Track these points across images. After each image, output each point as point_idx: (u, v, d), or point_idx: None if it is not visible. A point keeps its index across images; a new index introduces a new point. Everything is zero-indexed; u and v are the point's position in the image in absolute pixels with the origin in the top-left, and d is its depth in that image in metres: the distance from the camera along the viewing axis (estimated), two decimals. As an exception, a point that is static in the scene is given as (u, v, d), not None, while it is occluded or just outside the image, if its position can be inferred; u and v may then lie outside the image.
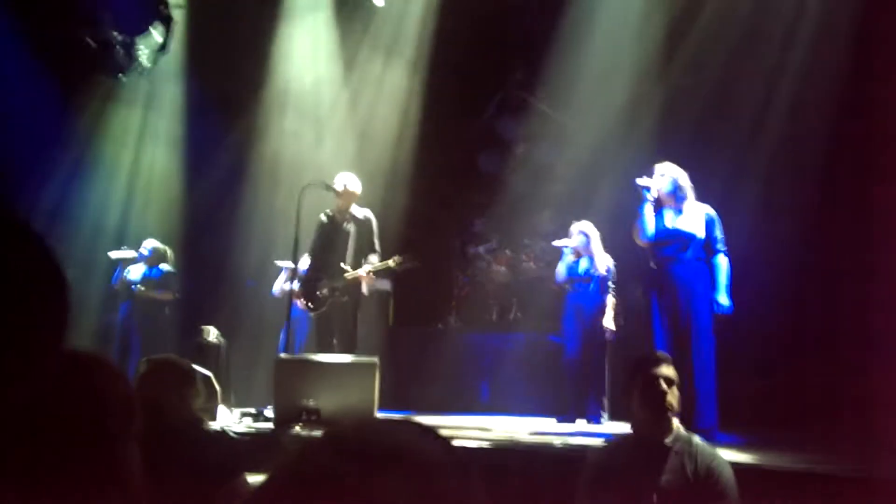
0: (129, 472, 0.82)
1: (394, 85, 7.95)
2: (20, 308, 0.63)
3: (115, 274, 6.76)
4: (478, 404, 6.57)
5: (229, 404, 5.33)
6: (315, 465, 0.56)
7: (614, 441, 2.46)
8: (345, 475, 0.53)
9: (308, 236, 5.47)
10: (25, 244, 0.66)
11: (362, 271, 5.17)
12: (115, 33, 6.59)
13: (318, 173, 5.67)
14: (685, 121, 6.17)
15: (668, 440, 2.29)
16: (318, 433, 0.61)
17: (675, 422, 2.35)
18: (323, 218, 5.50)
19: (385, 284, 7.50)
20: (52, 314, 0.66)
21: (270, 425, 4.46)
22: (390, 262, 5.18)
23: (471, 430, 4.64)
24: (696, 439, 2.34)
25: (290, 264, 5.90)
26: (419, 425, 0.62)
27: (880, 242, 4.47)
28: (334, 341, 5.29)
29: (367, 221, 5.40)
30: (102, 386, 0.85)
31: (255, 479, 3.83)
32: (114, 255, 6.76)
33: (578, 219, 5.66)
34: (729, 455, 2.92)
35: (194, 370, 2.65)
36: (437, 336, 7.35)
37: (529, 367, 6.54)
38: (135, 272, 6.69)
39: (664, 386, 2.28)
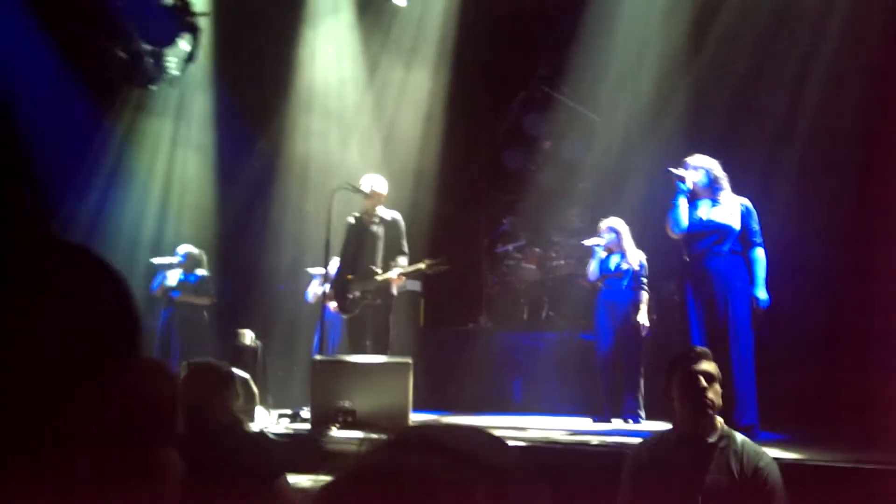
0: (166, 473, 0.85)
1: (418, 85, 7.97)
2: (98, 330, 0.69)
3: (155, 280, 6.91)
4: (511, 404, 6.56)
5: (267, 406, 5.42)
6: (390, 463, 0.57)
7: (656, 438, 2.43)
8: (420, 474, 0.54)
9: (338, 239, 5.52)
10: (103, 276, 0.72)
11: (393, 274, 5.20)
12: (145, 44, 6.73)
13: (345, 176, 5.72)
14: (713, 114, 6.08)
15: (712, 438, 2.26)
16: (380, 435, 0.62)
17: (719, 420, 2.32)
18: (351, 220, 5.55)
19: (415, 285, 7.54)
20: (123, 338, 0.72)
21: (307, 426, 4.52)
22: (421, 265, 5.20)
23: (505, 429, 4.64)
24: (742, 438, 2.31)
25: (321, 270, 5.96)
26: (488, 432, 0.63)
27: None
28: (367, 343, 5.34)
29: (394, 223, 5.43)
30: (149, 390, 0.88)
31: (295, 479, 3.89)
32: (156, 261, 6.92)
33: (607, 215, 5.62)
34: (771, 452, 2.88)
35: (233, 373, 2.69)
36: (469, 336, 7.35)
37: (562, 367, 6.51)
38: (172, 278, 6.83)
39: (703, 382, 2.25)
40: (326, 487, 0.57)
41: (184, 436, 2.01)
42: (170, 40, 6.59)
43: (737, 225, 3.93)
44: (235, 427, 2.51)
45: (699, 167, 4.05)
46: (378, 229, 5.42)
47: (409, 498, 0.54)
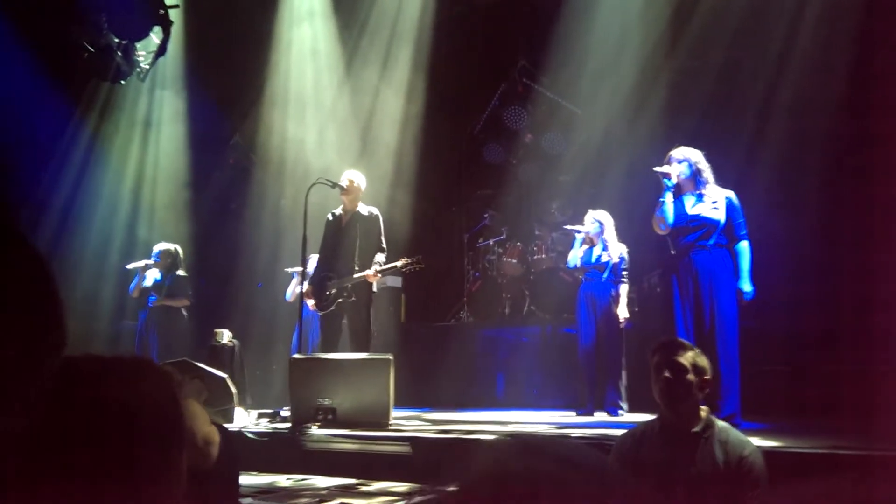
0: (175, 475, 0.82)
1: (395, 79, 7.89)
2: (15, 312, 0.66)
3: (133, 283, 6.75)
4: (494, 399, 6.53)
5: (245, 406, 5.32)
6: (525, 470, 0.63)
7: (641, 428, 2.40)
8: (553, 479, 0.62)
9: (316, 235, 5.44)
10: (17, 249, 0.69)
11: (370, 271, 5.13)
12: (114, 38, 6.55)
13: (322, 172, 5.63)
14: (692, 105, 6.09)
15: (696, 428, 2.24)
16: (502, 439, 0.70)
17: (704, 409, 2.30)
18: (330, 217, 5.46)
19: (396, 281, 7.46)
20: (46, 318, 0.70)
21: (287, 425, 4.43)
22: (398, 264, 5.14)
23: (488, 424, 4.60)
24: (727, 427, 2.29)
25: (299, 269, 5.87)
26: (580, 443, 0.71)
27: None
28: (339, 340, 5.27)
29: (373, 219, 5.36)
30: (152, 390, 0.85)
31: (274, 478, 3.82)
32: (130, 266, 6.75)
33: (588, 208, 5.61)
34: (753, 441, 2.87)
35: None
36: (451, 331, 7.31)
37: (545, 361, 6.49)
38: (149, 278, 6.68)
39: (667, 373, 2.24)
40: (464, 489, 0.64)
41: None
42: (140, 33, 6.42)
43: (722, 218, 3.94)
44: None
45: (682, 159, 4.03)
46: (356, 225, 5.34)
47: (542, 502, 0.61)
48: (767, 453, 2.53)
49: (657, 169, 4.03)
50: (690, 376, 2.24)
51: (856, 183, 4.90)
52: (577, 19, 6.98)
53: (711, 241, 3.91)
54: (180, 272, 6.71)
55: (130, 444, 0.76)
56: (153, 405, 0.80)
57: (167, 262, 6.62)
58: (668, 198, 3.99)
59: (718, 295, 3.81)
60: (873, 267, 4.47)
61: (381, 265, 5.17)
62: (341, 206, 5.44)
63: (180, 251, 6.75)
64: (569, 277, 6.41)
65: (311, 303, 5.52)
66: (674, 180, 4.00)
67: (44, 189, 6.96)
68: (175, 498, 0.81)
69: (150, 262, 6.65)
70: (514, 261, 7.32)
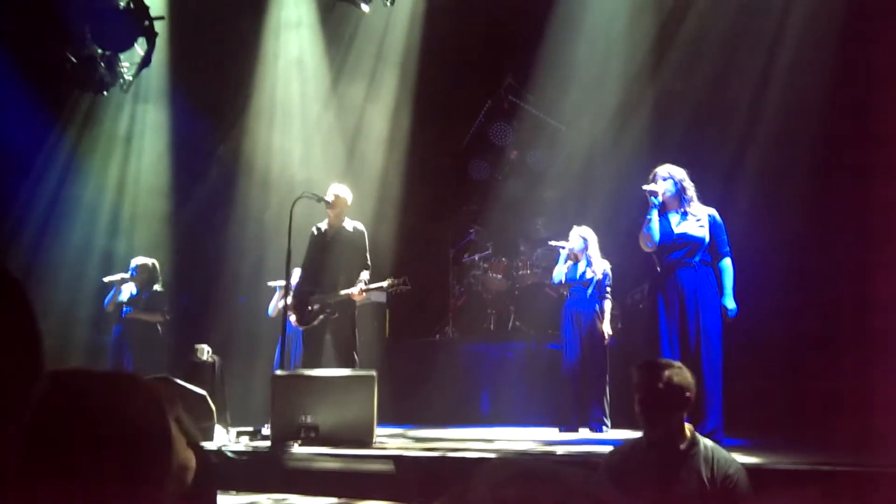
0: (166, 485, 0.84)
1: (382, 94, 7.90)
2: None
3: (108, 296, 6.63)
4: (478, 416, 6.49)
5: (225, 423, 5.22)
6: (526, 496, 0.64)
7: (628, 445, 2.40)
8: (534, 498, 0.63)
9: (300, 249, 5.39)
10: None
11: (354, 290, 5.09)
12: (98, 48, 6.50)
13: (307, 187, 5.59)
14: (677, 123, 6.16)
15: (682, 445, 2.24)
16: (500, 463, 0.70)
17: (689, 427, 2.30)
18: (314, 231, 5.43)
19: (380, 297, 7.42)
20: (23, 349, 0.71)
21: (268, 443, 4.36)
22: (383, 284, 5.12)
23: (472, 441, 4.56)
24: (712, 444, 2.29)
25: (282, 283, 5.81)
26: (553, 461, 0.70)
27: (880, 240, 4.45)
28: (322, 356, 5.21)
29: (359, 234, 5.33)
30: (139, 404, 0.85)
31: (255, 498, 3.74)
32: (107, 279, 6.63)
33: (573, 224, 5.64)
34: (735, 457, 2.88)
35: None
36: (435, 347, 7.27)
37: (530, 377, 6.47)
38: (125, 292, 6.57)
39: (643, 394, 2.27)
40: None
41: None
42: (124, 45, 6.37)
43: (707, 236, 3.98)
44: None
45: (667, 177, 4.07)
46: (342, 240, 5.31)
47: None
48: (752, 470, 2.54)
49: (646, 187, 4.06)
50: (665, 397, 2.23)
51: (846, 190, 4.96)
52: (563, 38, 7.06)
53: (697, 259, 3.95)
54: (157, 287, 6.59)
55: (119, 458, 0.76)
56: (141, 419, 0.80)
57: (143, 277, 6.49)
58: (655, 215, 4.02)
59: (704, 312, 3.85)
60: (865, 273, 4.53)
61: (365, 284, 5.13)
62: (326, 221, 5.41)
63: (157, 266, 6.63)
64: (553, 293, 6.42)
65: (293, 318, 5.46)
66: (660, 198, 4.03)
67: (22, 201, 6.84)
68: None
69: (127, 275, 6.53)
70: (500, 276, 7.32)
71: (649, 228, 4.01)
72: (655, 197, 4.03)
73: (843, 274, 4.87)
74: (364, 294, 5.18)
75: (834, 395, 4.39)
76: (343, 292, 5.11)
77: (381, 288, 5.14)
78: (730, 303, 3.92)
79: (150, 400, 0.83)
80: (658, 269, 4.06)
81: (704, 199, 4.20)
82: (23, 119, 6.53)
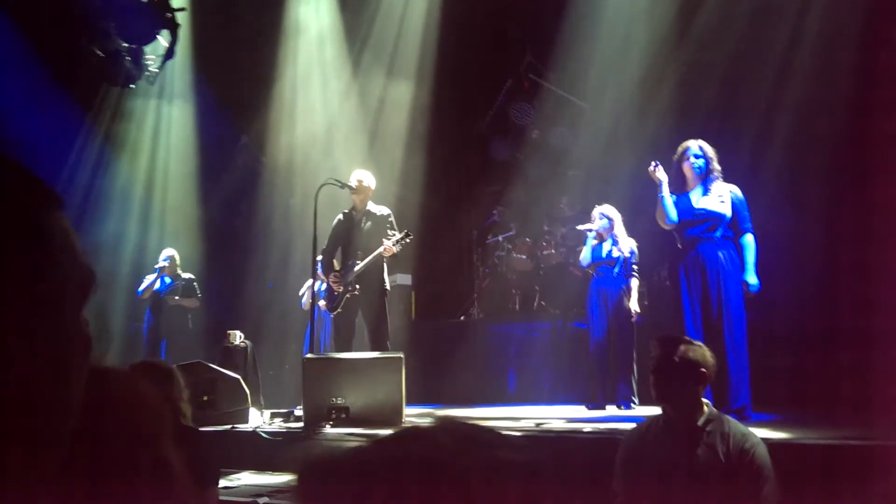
0: (171, 472, 0.83)
1: (403, 78, 7.91)
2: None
3: (144, 285, 6.85)
4: (506, 395, 6.55)
5: (259, 406, 5.38)
6: (391, 454, 0.59)
7: (647, 423, 2.43)
8: (421, 461, 0.57)
9: (326, 235, 5.47)
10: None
11: (382, 248, 5.08)
12: (122, 42, 6.62)
13: (331, 173, 5.66)
14: (702, 97, 6.05)
15: (699, 421, 2.25)
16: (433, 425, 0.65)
17: (707, 403, 2.31)
18: (340, 216, 5.49)
19: (406, 279, 7.50)
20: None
21: (301, 425, 4.48)
22: (397, 237, 5.12)
23: (500, 420, 4.62)
24: (729, 420, 2.30)
25: (310, 281, 5.88)
26: (493, 430, 0.66)
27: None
28: (353, 338, 5.31)
29: (384, 217, 5.38)
30: (134, 400, 0.86)
31: (289, 478, 3.87)
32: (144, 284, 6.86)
33: (596, 203, 5.60)
34: (763, 433, 2.88)
35: (174, 369, 2.54)
36: (461, 328, 7.33)
37: (556, 356, 6.50)
38: (158, 281, 6.78)
39: (657, 369, 2.28)
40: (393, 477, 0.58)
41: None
42: (148, 37, 6.48)
43: (728, 212, 3.96)
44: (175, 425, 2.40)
45: (699, 153, 4.04)
46: (367, 225, 5.37)
47: (411, 486, 0.56)
48: (781, 446, 2.54)
49: (651, 170, 4.07)
50: (678, 370, 2.24)
51: (861, 180, 4.85)
52: (584, 14, 6.95)
53: (718, 234, 3.93)
54: (189, 274, 6.84)
55: (106, 457, 0.76)
56: (125, 415, 0.80)
57: (173, 266, 6.79)
58: (666, 195, 4.03)
59: (726, 287, 3.83)
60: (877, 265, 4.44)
61: (386, 244, 5.11)
62: (352, 206, 5.47)
63: (177, 255, 6.90)
64: (578, 272, 6.41)
65: (322, 303, 5.57)
66: (665, 188, 4.04)
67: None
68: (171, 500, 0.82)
69: (163, 265, 6.76)
70: (524, 256, 7.33)
71: (663, 208, 4.01)
72: (661, 184, 4.04)
73: (879, 247, 4.76)
74: (394, 249, 5.12)
75: (864, 369, 4.32)
76: (359, 266, 5.17)
77: (396, 241, 5.12)
78: (752, 278, 3.89)
79: (134, 394, 0.84)
80: (679, 245, 4.04)
81: (732, 173, 4.16)
82: (54, 115, 6.70)
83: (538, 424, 4.13)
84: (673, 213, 4.00)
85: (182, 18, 6.70)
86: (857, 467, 2.68)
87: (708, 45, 6.17)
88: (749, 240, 3.97)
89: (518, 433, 3.77)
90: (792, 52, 5.55)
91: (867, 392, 4.08)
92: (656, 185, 4.09)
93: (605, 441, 3.34)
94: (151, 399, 0.86)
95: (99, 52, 6.39)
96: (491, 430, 0.64)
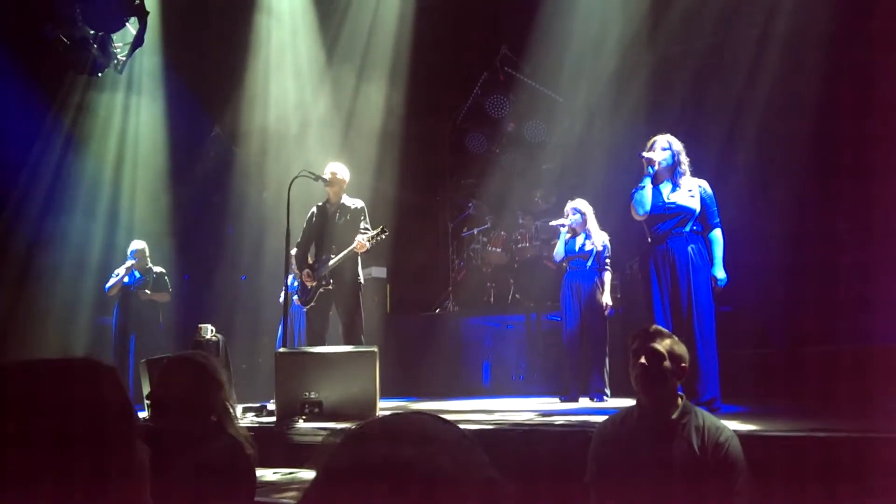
0: (133, 470, 0.83)
1: (377, 70, 7.83)
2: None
3: (111, 281, 6.69)
4: (480, 388, 6.58)
5: (231, 400, 5.31)
6: (370, 451, 0.63)
7: (620, 414, 2.44)
8: (399, 458, 0.61)
9: (299, 228, 5.41)
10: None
11: (354, 245, 5.05)
12: (90, 30, 6.42)
13: (305, 165, 5.59)
14: (675, 91, 6.11)
15: (674, 415, 2.27)
16: (349, 426, 0.69)
17: (681, 395, 2.33)
18: (314, 209, 5.44)
19: (381, 272, 7.46)
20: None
21: (273, 419, 4.44)
22: (369, 234, 5.09)
23: (474, 412, 4.64)
24: (703, 413, 2.32)
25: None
26: (434, 415, 0.71)
27: (876, 208, 4.45)
28: (327, 332, 5.26)
29: (358, 210, 5.34)
30: (99, 390, 0.85)
31: (260, 473, 3.81)
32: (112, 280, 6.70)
33: (571, 196, 5.64)
34: (733, 424, 2.91)
35: (217, 365, 2.43)
36: (436, 321, 7.33)
37: (530, 348, 6.54)
38: (127, 275, 6.64)
39: (643, 360, 2.28)
40: (318, 480, 0.63)
41: (155, 430, 1.92)
42: (116, 25, 6.30)
43: (697, 207, 4.00)
44: (216, 427, 2.30)
45: (667, 147, 4.07)
46: (341, 217, 5.32)
47: (379, 489, 0.59)
48: (750, 437, 2.58)
49: (645, 154, 4.06)
50: (667, 363, 2.27)
51: (828, 177, 4.96)
52: (559, 6, 6.96)
53: (687, 229, 3.97)
54: (160, 268, 6.70)
55: (79, 451, 0.77)
56: (101, 406, 0.80)
57: (144, 259, 6.64)
58: (648, 183, 4.03)
59: (695, 281, 3.88)
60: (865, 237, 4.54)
61: (361, 238, 5.07)
62: (325, 199, 5.42)
63: (146, 248, 6.76)
64: (553, 265, 6.45)
65: (295, 298, 5.51)
66: (655, 167, 4.04)
67: (22, 186, 6.86)
68: (140, 496, 0.82)
69: (131, 262, 6.62)
70: (499, 249, 7.34)
71: (641, 195, 4.03)
72: (652, 166, 4.03)
73: (843, 240, 4.88)
74: (367, 246, 5.08)
75: (833, 359, 4.43)
76: (333, 261, 5.13)
77: (371, 237, 5.08)
78: (720, 273, 3.95)
79: (110, 384, 0.83)
80: (648, 239, 4.08)
81: (701, 167, 4.20)
82: (17, 104, 6.50)
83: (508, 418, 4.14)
84: (648, 203, 4.03)
85: (151, 5, 6.53)
86: (824, 458, 2.73)
87: (680, 40, 6.23)
88: (717, 234, 4.02)
89: (490, 426, 3.78)
90: (762, 50, 5.63)
91: (832, 384, 4.20)
92: (640, 174, 4.09)
93: (577, 433, 3.36)
94: (121, 398, 0.85)
95: (65, 39, 6.20)
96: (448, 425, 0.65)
